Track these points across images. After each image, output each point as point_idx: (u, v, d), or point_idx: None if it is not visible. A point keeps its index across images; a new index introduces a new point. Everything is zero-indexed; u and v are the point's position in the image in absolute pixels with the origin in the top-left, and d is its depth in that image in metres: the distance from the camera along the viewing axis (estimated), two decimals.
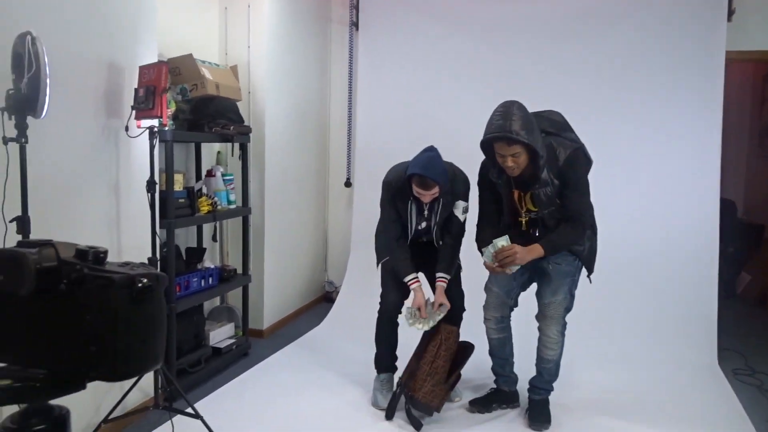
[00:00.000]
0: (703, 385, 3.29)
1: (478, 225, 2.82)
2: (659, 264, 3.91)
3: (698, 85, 3.90)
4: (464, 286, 2.99)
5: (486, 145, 2.57)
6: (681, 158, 3.96)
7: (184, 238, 3.55)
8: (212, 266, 3.41)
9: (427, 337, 2.79)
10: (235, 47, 3.86)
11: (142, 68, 2.67)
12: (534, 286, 2.80)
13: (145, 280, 0.86)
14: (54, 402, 0.92)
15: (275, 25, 3.97)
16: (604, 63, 4.06)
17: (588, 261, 2.71)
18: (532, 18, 4.20)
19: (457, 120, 4.17)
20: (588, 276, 2.75)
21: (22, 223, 2.02)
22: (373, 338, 3.01)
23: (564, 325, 2.73)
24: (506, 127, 2.38)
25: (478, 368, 3.13)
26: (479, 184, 2.78)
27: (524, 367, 2.94)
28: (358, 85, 4.65)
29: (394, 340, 2.99)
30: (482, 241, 2.76)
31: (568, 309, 2.73)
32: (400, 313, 2.94)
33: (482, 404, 2.91)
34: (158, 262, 2.71)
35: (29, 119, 1.98)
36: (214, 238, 3.76)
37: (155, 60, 2.82)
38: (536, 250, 2.53)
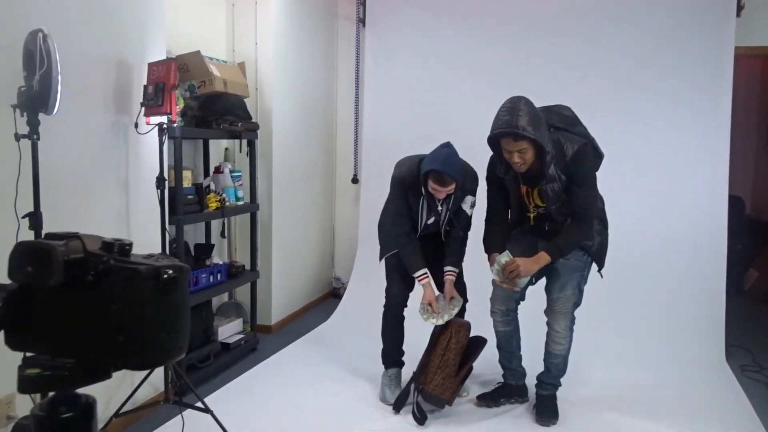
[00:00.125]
0: (710, 381, 3.28)
1: (486, 223, 2.83)
2: (667, 260, 3.91)
3: (707, 81, 3.89)
4: (473, 279, 3.00)
5: (493, 141, 2.57)
6: (689, 154, 3.95)
7: (193, 234, 3.57)
8: (220, 262, 3.43)
9: (438, 331, 2.80)
10: (243, 44, 3.87)
11: (150, 65, 2.68)
12: (543, 281, 2.81)
13: (170, 272, 0.87)
14: (80, 391, 0.93)
15: (282, 22, 3.98)
16: (612, 59, 4.05)
17: (598, 256, 2.71)
18: (538, 13, 4.19)
19: (464, 116, 4.17)
20: (599, 271, 2.75)
21: (35, 219, 2.03)
22: (380, 334, 3.02)
23: (572, 320, 2.74)
24: (513, 122, 2.38)
25: (487, 364, 3.13)
26: (488, 179, 2.79)
27: (532, 363, 2.94)
28: (364, 81, 4.66)
29: (401, 334, 3.00)
30: (489, 245, 2.77)
31: (577, 304, 2.73)
32: (406, 306, 2.96)
33: (490, 399, 2.92)
34: None
35: (41, 116, 1.99)
36: (222, 235, 3.78)
37: (163, 57, 2.84)
38: (543, 258, 2.54)
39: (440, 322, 2.75)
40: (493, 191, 2.78)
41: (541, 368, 2.85)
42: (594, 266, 2.74)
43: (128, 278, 0.86)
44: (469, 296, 2.96)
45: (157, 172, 2.66)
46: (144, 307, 0.85)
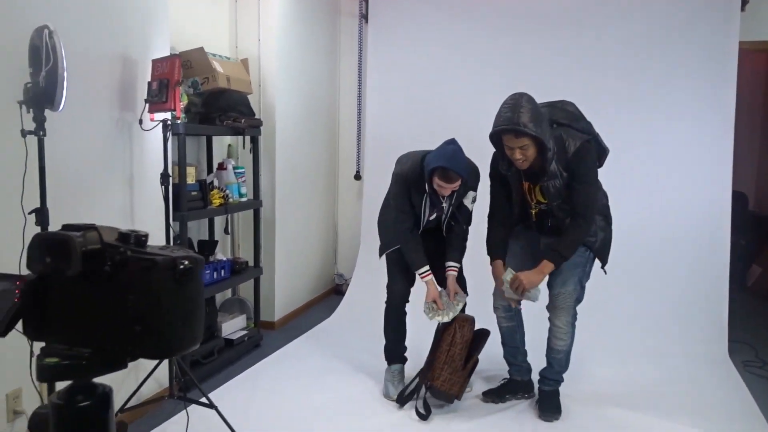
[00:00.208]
0: (713, 377, 3.29)
1: (489, 220, 2.83)
2: (670, 256, 3.91)
3: (711, 75, 3.88)
4: (475, 274, 3.01)
5: (495, 138, 2.57)
6: (693, 149, 3.94)
7: (197, 230, 3.58)
8: (224, 258, 3.43)
9: (442, 327, 2.81)
10: (246, 40, 3.87)
11: (155, 62, 2.68)
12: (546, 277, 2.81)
13: (186, 262, 0.88)
14: (97, 380, 0.94)
15: (285, 18, 3.98)
16: (616, 53, 4.04)
17: (601, 252, 2.72)
18: (542, 8, 4.18)
19: (466, 111, 4.17)
20: (602, 267, 2.76)
21: (41, 214, 2.04)
22: (382, 330, 3.03)
23: (574, 315, 2.74)
24: (514, 119, 2.38)
25: (492, 360, 3.14)
26: (491, 175, 2.79)
27: (535, 359, 2.95)
28: (367, 77, 4.66)
29: (403, 330, 3.01)
30: (491, 248, 2.78)
31: (579, 300, 2.74)
32: (408, 302, 2.97)
33: (496, 395, 2.93)
34: None
35: (47, 112, 2.00)
36: (225, 231, 3.78)
37: (167, 53, 2.84)
38: (546, 267, 2.57)
39: (446, 319, 2.75)
40: (496, 187, 2.78)
41: (544, 364, 2.86)
42: (597, 262, 2.75)
43: (145, 269, 0.87)
44: (470, 291, 2.96)
45: (161, 169, 2.66)
46: (161, 298, 0.86)
